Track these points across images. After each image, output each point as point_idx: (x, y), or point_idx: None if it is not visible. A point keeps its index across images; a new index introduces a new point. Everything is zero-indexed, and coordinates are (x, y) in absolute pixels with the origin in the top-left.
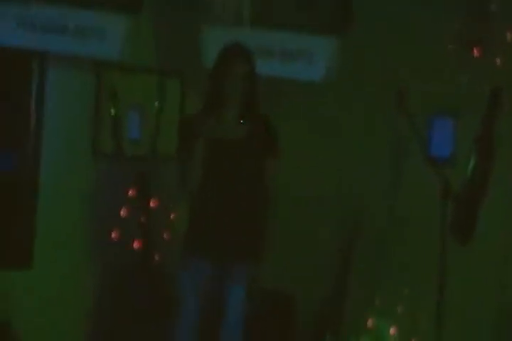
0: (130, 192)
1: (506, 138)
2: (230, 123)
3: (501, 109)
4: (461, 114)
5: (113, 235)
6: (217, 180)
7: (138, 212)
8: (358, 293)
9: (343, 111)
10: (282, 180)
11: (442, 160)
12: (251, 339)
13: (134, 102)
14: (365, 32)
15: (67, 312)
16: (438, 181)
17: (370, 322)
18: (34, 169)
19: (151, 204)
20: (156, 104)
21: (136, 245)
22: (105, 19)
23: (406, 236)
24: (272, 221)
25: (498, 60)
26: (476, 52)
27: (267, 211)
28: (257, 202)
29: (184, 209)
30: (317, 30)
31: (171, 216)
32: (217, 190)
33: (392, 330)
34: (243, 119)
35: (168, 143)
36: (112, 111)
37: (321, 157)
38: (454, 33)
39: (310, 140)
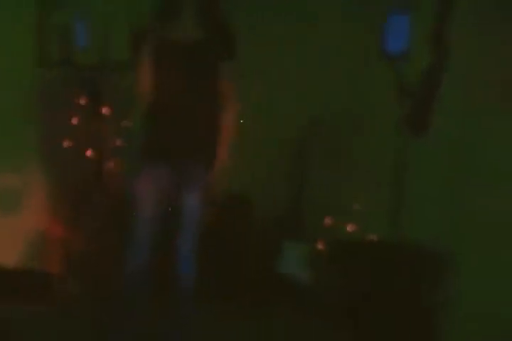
0: (81, 100)
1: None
2: (186, 24)
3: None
4: (416, 8)
5: (65, 144)
6: (173, 84)
7: (89, 120)
8: (314, 194)
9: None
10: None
11: (398, 54)
12: (208, 245)
13: (81, 8)
14: None
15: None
16: (393, 75)
17: (327, 221)
18: None
19: (103, 111)
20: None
21: (89, 153)
22: None
23: (362, 133)
24: (230, 123)
25: None
26: None
27: (225, 113)
28: (214, 104)
29: (137, 116)
30: None
31: (124, 123)
32: (174, 93)
33: (349, 227)
34: (199, 19)
35: (118, 49)
36: (58, 17)
37: (283, 57)
38: None
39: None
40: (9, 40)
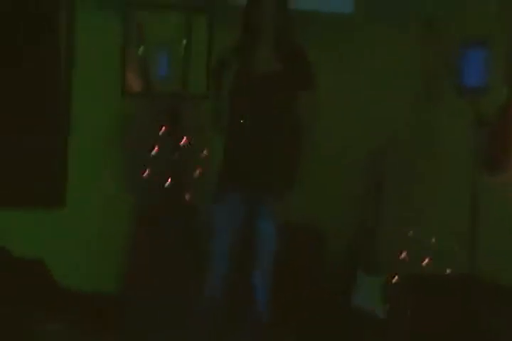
0: (162, 129)
1: None
2: (265, 57)
3: None
4: (493, 42)
5: (145, 174)
6: (250, 114)
7: (169, 149)
8: (389, 226)
9: (371, 45)
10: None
11: (475, 90)
12: (281, 275)
13: (162, 40)
14: None
15: (101, 251)
16: (470, 111)
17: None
18: (64, 110)
19: (183, 141)
20: (184, 41)
21: (167, 183)
22: None
23: (437, 168)
24: (304, 154)
25: None
26: None
27: (299, 144)
28: (289, 135)
29: (216, 146)
30: None
31: (203, 153)
32: (252, 123)
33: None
34: (278, 52)
35: (197, 80)
36: (140, 49)
37: (350, 90)
38: None
39: (340, 73)
40: (95, 71)
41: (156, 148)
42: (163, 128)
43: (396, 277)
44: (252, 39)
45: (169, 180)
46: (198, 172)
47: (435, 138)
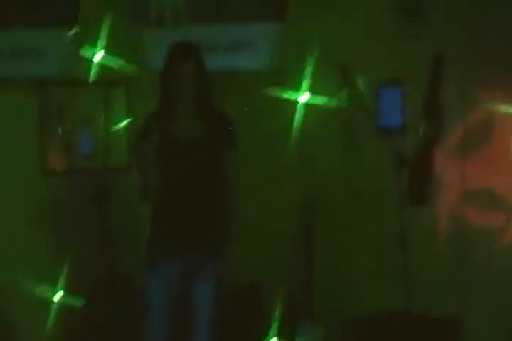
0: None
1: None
2: (186, 122)
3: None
4: (407, 82)
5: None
6: (177, 178)
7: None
8: (323, 275)
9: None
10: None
11: (393, 129)
12: (221, 331)
13: (81, 116)
14: (301, 16)
15: None
16: (391, 150)
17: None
18: None
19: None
20: (104, 116)
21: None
22: (40, 37)
23: (363, 207)
24: (235, 212)
25: (439, 27)
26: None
27: (230, 203)
28: (219, 195)
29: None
30: (256, 18)
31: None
32: (179, 187)
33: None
34: (198, 116)
35: (120, 153)
36: (60, 127)
37: (274, 142)
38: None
39: (262, 126)
40: (15, 151)
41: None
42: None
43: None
44: (170, 104)
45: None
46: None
47: (360, 179)
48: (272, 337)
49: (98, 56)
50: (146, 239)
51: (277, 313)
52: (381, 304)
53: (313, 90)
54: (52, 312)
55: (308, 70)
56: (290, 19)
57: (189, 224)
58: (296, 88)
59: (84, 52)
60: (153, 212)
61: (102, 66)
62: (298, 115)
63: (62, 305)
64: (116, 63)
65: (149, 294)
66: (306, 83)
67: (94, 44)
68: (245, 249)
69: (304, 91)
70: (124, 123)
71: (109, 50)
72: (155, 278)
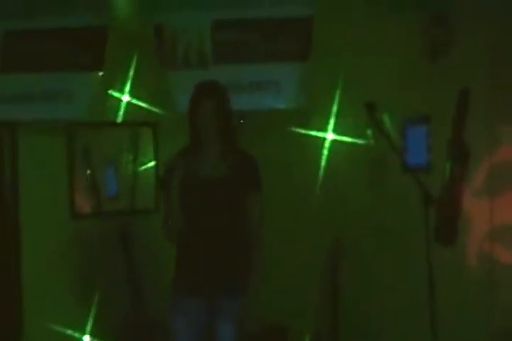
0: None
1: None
2: (212, 161)
3: (468, 110)
4: (433, 119)
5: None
6: (200, 218)
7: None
8: (349, 317)
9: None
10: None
11: (419, 167)
12: None
13: (108, 158)
14: (326, 55)
15: None
16: (418, 188)
17: None
18: (14, 238)
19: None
20: (130, 156)
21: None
22: (70, 80)
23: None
24: (259, 254)
25: (463, 63)
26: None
27: (254, 244)
28: (242, 235)
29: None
30: (280, 59)
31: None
32: (201, 226)
33: None
34: (223, 156)
35: (147, 194)
36: (88, 170)
37: (300, 181)
38: (417, 41)
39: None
40: (43, 193)
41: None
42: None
43: None
44: (197, 142)
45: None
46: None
47: (386, 218)
48: None
49: (125, 98)
50: (172, 279)
51: None
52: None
53: (339, 129)
54: None
55: (334, 109)
56: (315, 58)
57: (211, 263)
58: (322, 127)
59: (112, 94)
60: (177, 252)
61: (129, 107)
62: (324, 154)
63: None
64: (143, 104)
65: (174, 334)
66: (332, 122)
67: (121, 86)
68: (271, 290)
69: (330, 130)
70: (150, 164)
71: (136, 91)
72: (179, 318)
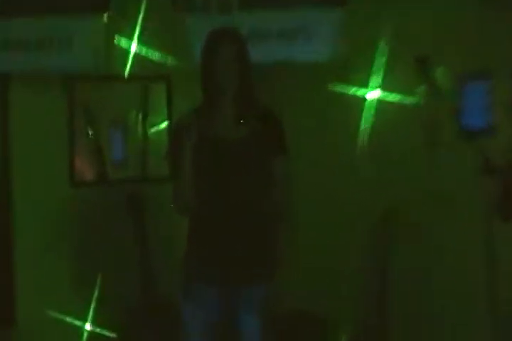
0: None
1: None
2: (228, 121)
3: None
4: (494, 75)
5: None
6: (218, 189)
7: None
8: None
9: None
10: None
11: (479, 130)
12: None
13: (114, 118)
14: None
15: None
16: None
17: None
18: (4, 209)
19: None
20: (140, 116)
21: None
22: (69, 24)
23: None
24: (286, 234)
25: None
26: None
27: (280, 223)
28: (268, 212)
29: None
30: (314, 3)
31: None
32: (219, 200)
33: None
34: (242, 114)
35: (158, 160)
36: (90, 131)
37: (337, 148)
38: None
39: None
40: (38, 158)
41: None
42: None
43: None
44: (211, 99)
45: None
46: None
47: (441, 188)
48: None
49: (133, 46)
50: (182, 260)
51: None
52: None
53: (385, 86)
54: None
55: (379, 63)
56: (356, 3)
57: (229, 242)
58: (365, 84)
59: (118, 41)
60: (189, 228)
61: (137, 58)
62: (368, 115)
63: (95, 335)
64: (154, 55)
65: (187, 325)
66: (376, 78)
67: (128, 32)
68: (307, 274)
69: (374, 88)
70: (163, 125)
71: (146, 39)
72: (192, 308)
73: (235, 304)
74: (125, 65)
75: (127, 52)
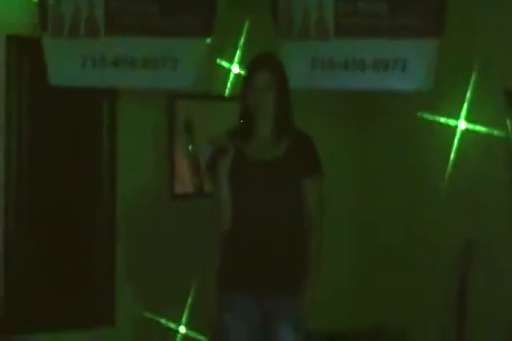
0: None
1: None
2: (263, 142)
3: None
4: None
5: None
6: (250, 206)
7: None
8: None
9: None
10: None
11: None
12: None
13: (213, 134)
14: (460, 32)
15: None
16: None
17: None
18: (109, 216)
19: None
20: None
21: None
22: (174, 46)
23: None
24: (317, 248)
25: None
26: None
27: (310, 237)
28: (298, 228)
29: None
30: (410, 34)
31: None
32: (251, 215)
33: None
34: (277, 137)
35: None
36: (190, 146)
37: (424, 175)
38: None
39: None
40: (142, 170)
41: None
42: None
43: None
44: (248, 122)
45: None
46: None
47: None
48: None
49: (235, 68)
50: (217, 274)
51: None
52: None
53: (473, 117)
54: None
55: (468, 94)
56: (447, 34)
57: (263, 258)
58: (453, 114)
59: (220, 63)
60: (223, 245)
61: (238, 79)
62: (454, 144)
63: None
64: None
65: (222, 336)
66: (465, 108)
67: (230, 55)
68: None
69: (463, 118)
70: None
71: (246, 61)
72: (232, 321)
73: (271, 314)
74: (226, 86)
75: (228, 73)
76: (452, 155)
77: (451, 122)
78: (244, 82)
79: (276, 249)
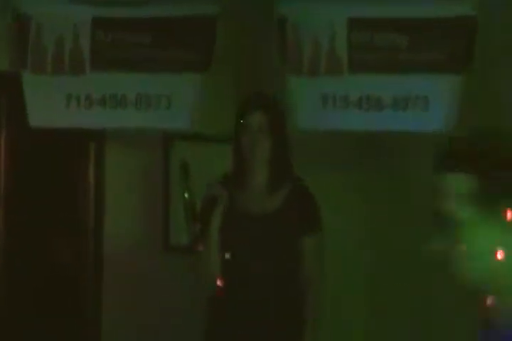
0: None
1: None
2: (258, 192)
3: None
4: None
5: None
6: (244, 263)
7: None
8: None
9: None
10: None
11: None
12: None
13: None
14: (488, 67)
15: None
16: None
17: None
18: (97, 267)
19: None
20: None
21: None
22: (169, 83)
23: None
24: (316, 312)
25: None
26: None
27: (309, 300)
28: (298, 290)
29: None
30: (433, 69)
31: None
32: (244, 273)
33: None
34: (274, 187)
35: None
36: (186, 193)
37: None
38: None
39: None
40: (132, 221)
41: None
42: None
43: None
44: (242, 169)
45: None
46: None
47: None
48: None
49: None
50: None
51: None
52: None
53: None
54: None
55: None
56: (473, 71)
57: (255, 321)
58: None
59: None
60: (212, 303)
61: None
62: None
63: None
64: None
65: None
66: None
67: (228, 94)
68: None
69: None
70: None
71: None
72: None
73: None
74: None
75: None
76: None
77: None
78: (237, 125)
79: (270, 309)
